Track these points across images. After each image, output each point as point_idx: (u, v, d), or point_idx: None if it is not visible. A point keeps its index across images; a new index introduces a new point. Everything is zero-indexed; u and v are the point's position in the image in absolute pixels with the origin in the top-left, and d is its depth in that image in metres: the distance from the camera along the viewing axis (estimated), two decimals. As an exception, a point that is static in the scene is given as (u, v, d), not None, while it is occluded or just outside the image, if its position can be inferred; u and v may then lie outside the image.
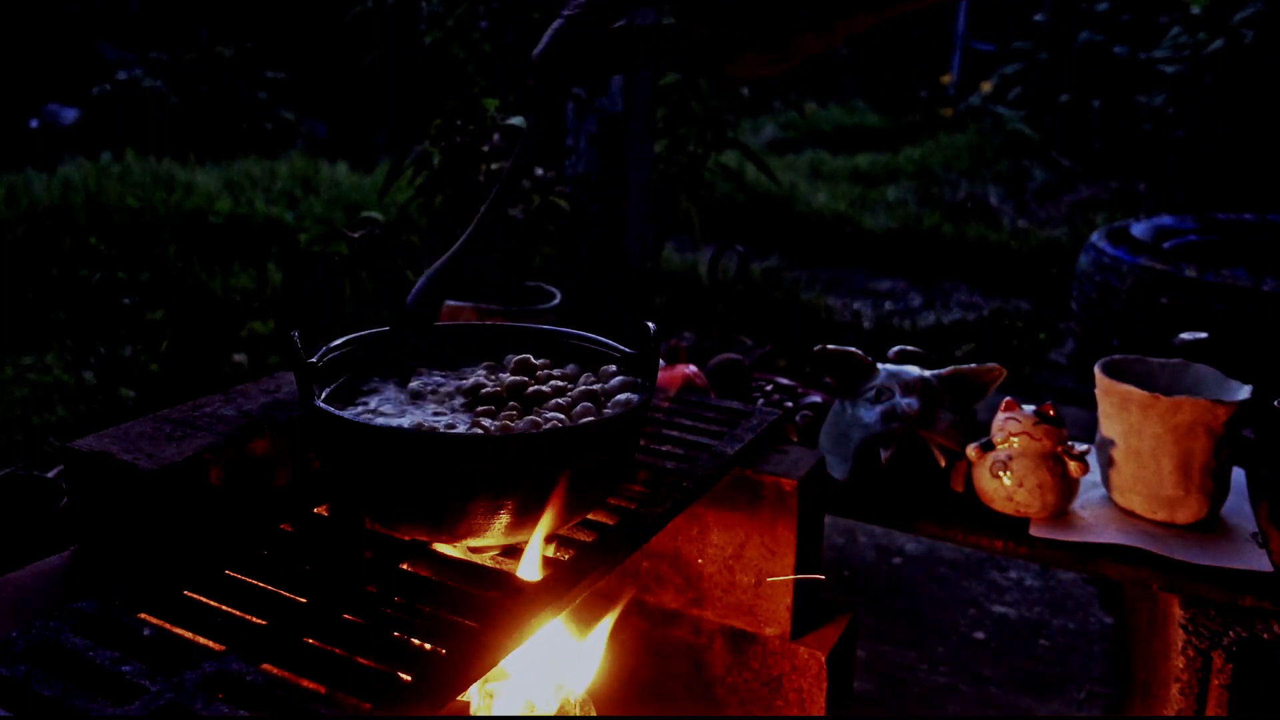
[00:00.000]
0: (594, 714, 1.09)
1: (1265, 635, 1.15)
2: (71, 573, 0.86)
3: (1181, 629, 1.18)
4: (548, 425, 0.81)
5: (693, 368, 1.52)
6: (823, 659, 1.15)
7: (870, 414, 1.38)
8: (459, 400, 0.88)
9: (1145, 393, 1.23)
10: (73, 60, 7.68)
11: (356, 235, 1.85)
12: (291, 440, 0.95)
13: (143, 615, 0.73)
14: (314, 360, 0.83)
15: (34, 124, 7.10)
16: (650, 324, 0.90)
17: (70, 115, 7.18)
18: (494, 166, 1.97)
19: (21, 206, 4.69)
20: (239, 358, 3.36)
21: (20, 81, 7.27)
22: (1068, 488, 1.30)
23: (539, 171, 1.99)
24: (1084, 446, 1.33)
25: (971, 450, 1.34)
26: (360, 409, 0.86)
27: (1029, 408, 1.31)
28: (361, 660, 0.69)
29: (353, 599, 0.76)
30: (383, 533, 0.85)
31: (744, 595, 1.18)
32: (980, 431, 1.38)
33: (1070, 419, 1.46)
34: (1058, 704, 1.89)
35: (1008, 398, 1.35)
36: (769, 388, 1.69)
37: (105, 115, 6.92)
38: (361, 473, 0.79)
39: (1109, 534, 1.25)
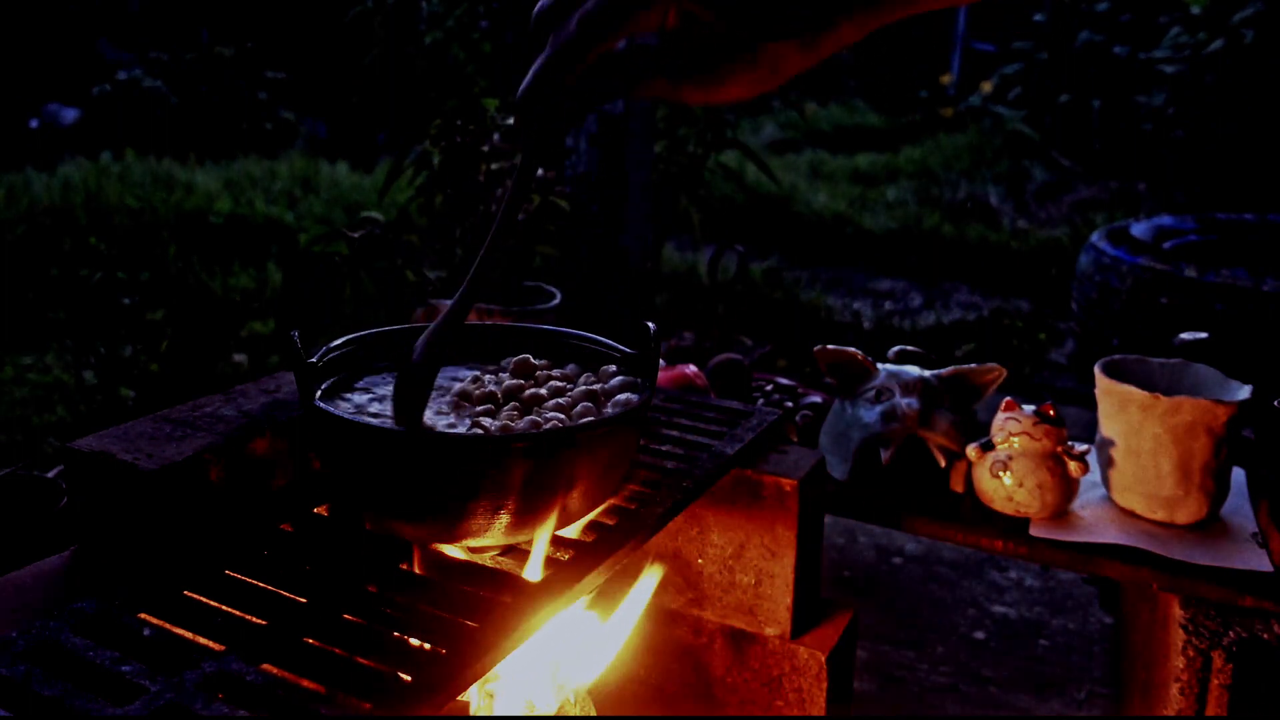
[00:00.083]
0: (594, 714, 1.09)
1: (1265, 635, 1.15)
2: (71, 573, 0.86)
3: (1181, 629, 1.18)
4: (548, 425, 0.81)
5: (693, 368, 1.52)
6: (823, 659, 1.15)
7: (870, 414, 1.38)
8: (459, 400, 0.88)
9: (1145, 393, 1.23)
10: (73, 60, 7.68)
11: (356, 235, 1.85)
12: (291, 440, 0.95)
13: (143, 615, 0.73)
14: (314, 360, 0.83)
15: (34, 124, 7.10)
16: (650, 324, 0.90)
17: (70, 115, 7.19)
18: (494, 166, 1.97)
19: (21, 206, 4.69)
20: (239, 358, 3.36)
21: (20, 81, 7.27)
22: (1068, 488, 1.30)
23: (539, 172, 1.99)
24: (1084, 446, 1.33)
25: (971, 450, 1.34)
26: (360, 409, 0.86)
27: (1029, 408, 1.31)
28: (361, 660, 0.69)
29: (353, 599, 0.76)
30: (382, 533, 0.85)
31: (744, 595, 1.18)
32: (980, 431, 1.38)
33: (1070, 419, 1.46)
34: (1058, 704, 1.89)
35: (1008, 398, 1.35)
36: (769, 388, 1.69)
37: (105, 115, 6.92)
38: (362, 473, 0.79)
39: (1109, 534, 1.25)
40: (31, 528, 1.10)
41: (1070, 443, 1.31)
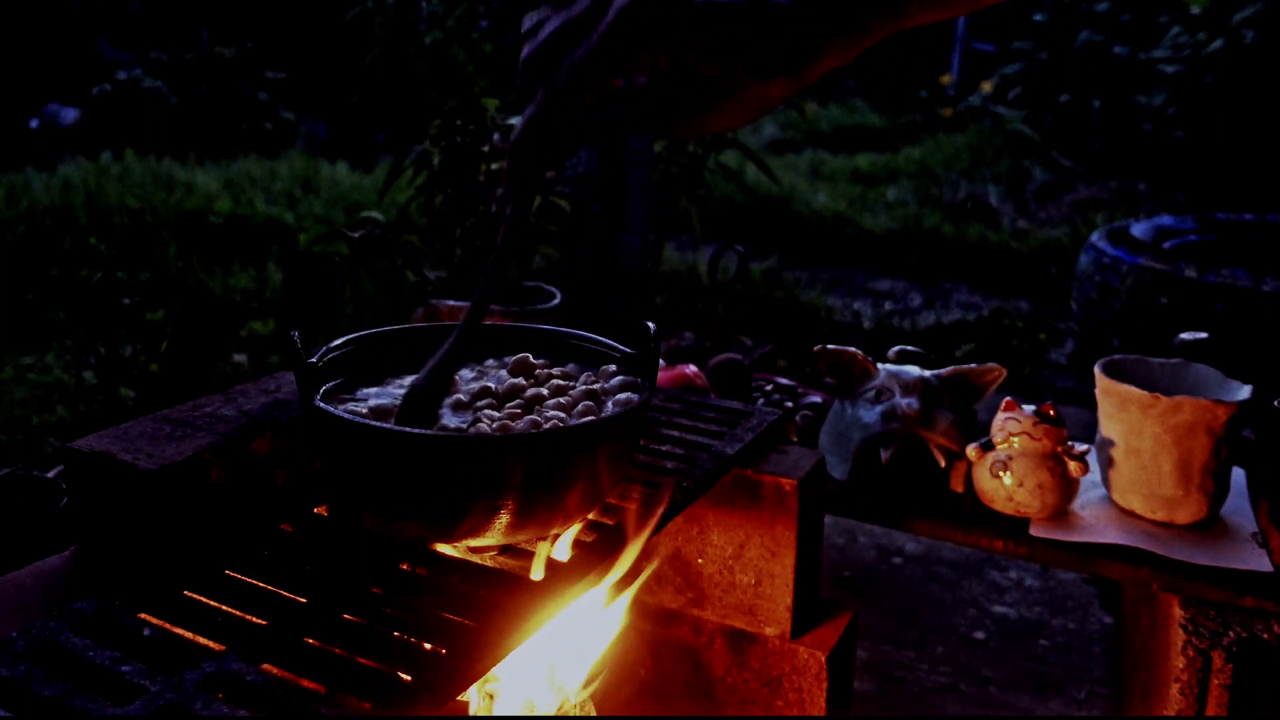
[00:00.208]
0: (594, 714, 1.09)
1: (1265, 635, 1.15)
2: (71, 573, 0.86)
3: (1181, 629, 1.18)
4: (548, 425, 0.81)
5: (693, 368, 1.52)
6: (823, 659, 1.15)
7: (870, 414, 1.38)
8: (459, 400, 0.88)
9: (1145, 393, 1.23)
10: (73, 60, 7.68)
11: (356, 235, 1.85)
12: (291, 440, 0.95)
13: (143, 615, 0.73)
14: (314, 360, 0.83)
15: (34, 124, 7.10)
16: (650, 324, 0.90)
17: (70, 115, 7.19)
18: (494, 166, 1.97)
19: (21, 206, 4.69)
20: (239, 358, 3.36)
21: (20, 81, 7.27)
22: (1068, 488, 1.30)
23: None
24: (1084, 446, 1.33)
25: (971, 450, 1.34)
26: (360, 408, 0.86)
27: (1029, 408, 1.31)
28: (361, 660, 0.69)
29: (353, 599, 0.76)
30: (382, 533, 0.85)
31: (744, 595, 1.18)
32: (980, 431, 1.38)
33: (1070, 419, 1.46)
34: (1058, 704, 1.89)
35: (1008, 398, 1.35)
36: (769, 388, 1.69)
37: (105, 115, 6.92)
38: (361, 473, 0.79)
39: (1109, 534, 1.25)
40: (31, 528, 1.10)
41: (1070, 443, 1.31)
